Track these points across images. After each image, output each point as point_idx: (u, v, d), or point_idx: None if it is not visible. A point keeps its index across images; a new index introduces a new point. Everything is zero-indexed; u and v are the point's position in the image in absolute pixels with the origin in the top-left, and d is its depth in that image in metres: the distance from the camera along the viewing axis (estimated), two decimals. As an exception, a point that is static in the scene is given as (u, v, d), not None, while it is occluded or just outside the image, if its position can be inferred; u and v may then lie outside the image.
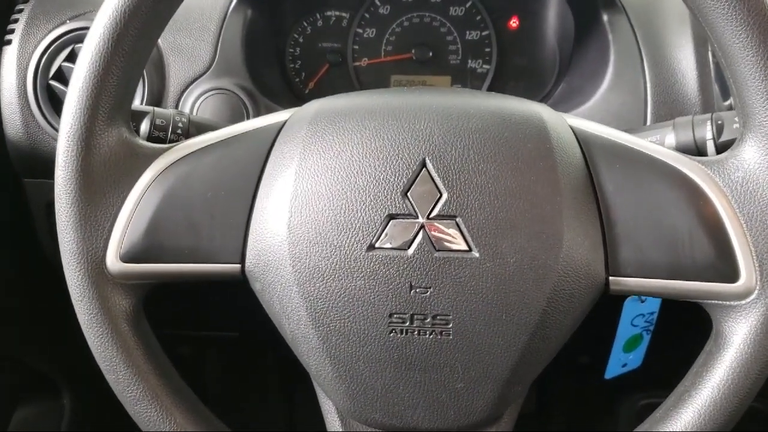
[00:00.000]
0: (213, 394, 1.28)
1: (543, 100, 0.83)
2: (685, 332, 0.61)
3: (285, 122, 0.50)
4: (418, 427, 0.48)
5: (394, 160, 0.45)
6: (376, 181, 0.45)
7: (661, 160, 0.47)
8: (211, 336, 1.18)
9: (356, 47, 0.85)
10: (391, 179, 0.45)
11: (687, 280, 0.46)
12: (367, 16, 0.84)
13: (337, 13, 0.84)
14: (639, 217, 0.46)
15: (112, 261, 0.48)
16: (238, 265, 0.48)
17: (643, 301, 0.74)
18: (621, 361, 0.72)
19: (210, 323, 1.09)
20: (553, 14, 0.82)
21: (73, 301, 0.48)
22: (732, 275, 0.45)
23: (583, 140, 0.48)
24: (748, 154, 0.45)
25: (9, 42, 0.76)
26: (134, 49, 0.47)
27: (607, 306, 0.52)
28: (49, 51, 0.73)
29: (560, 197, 0.45)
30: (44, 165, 0.76)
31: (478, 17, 0.83)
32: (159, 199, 0.48)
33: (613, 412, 1.09)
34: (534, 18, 0.83)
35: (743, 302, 0.45)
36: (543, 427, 1.22)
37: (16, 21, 0.76)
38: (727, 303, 0.46)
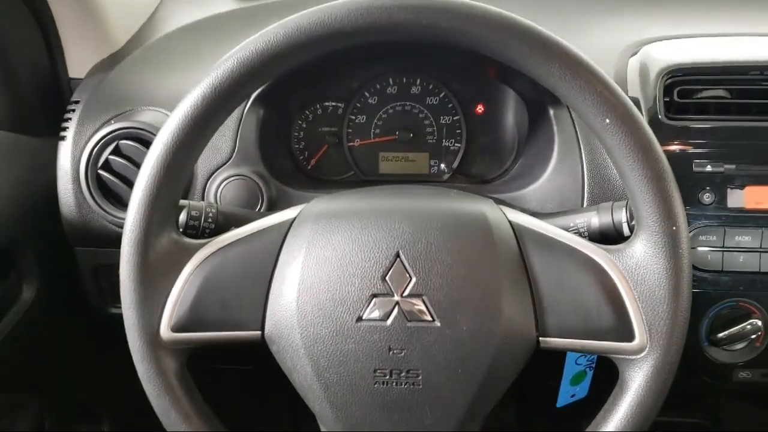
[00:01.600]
0: (226, 412, 1.37)
1: (503, 173, 0.93)
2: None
3: (294, 219, 0.62)
4: None
5: (376, 252, 0.57)
6: (362, 268, 0.57)
7: (577, 249, 0.59)
8: (228, 369, 1.27)
9: (350, 131, 0.95)
10: (374, 267, 0.57)
11: (596, 340, 0.58)
12: (358, 105, 0.95)
13: (334, 103, 0.94)
14: (560, 292, 0.58)
15: (165, 331, 0.59)
16: (259, 332, 0.60)
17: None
18: (569, 392, 0.82)
19: (227, 357, 1.17)
20: (512, 105, 0.92)
21: (135, 362, 0.60)
22: (629, 336, 0.57)
23: (518, 232, 0.60)
24: (638, 247, 0.57)
25: (63, 138, 0.87)
26: (179, 174, 0.58)
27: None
28: (97, 146, 0.83)
29: (500, 279, 0.57)
30: (92, 237, 0.87)
31: (450, 105, 0.94)
32: (199, 283, 0.59)
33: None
34: (496, 106, 0.93)
35: (638, 356, 0.57)
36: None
37: (68, 119, 0.87)
38: (626, 357, 0.58)
